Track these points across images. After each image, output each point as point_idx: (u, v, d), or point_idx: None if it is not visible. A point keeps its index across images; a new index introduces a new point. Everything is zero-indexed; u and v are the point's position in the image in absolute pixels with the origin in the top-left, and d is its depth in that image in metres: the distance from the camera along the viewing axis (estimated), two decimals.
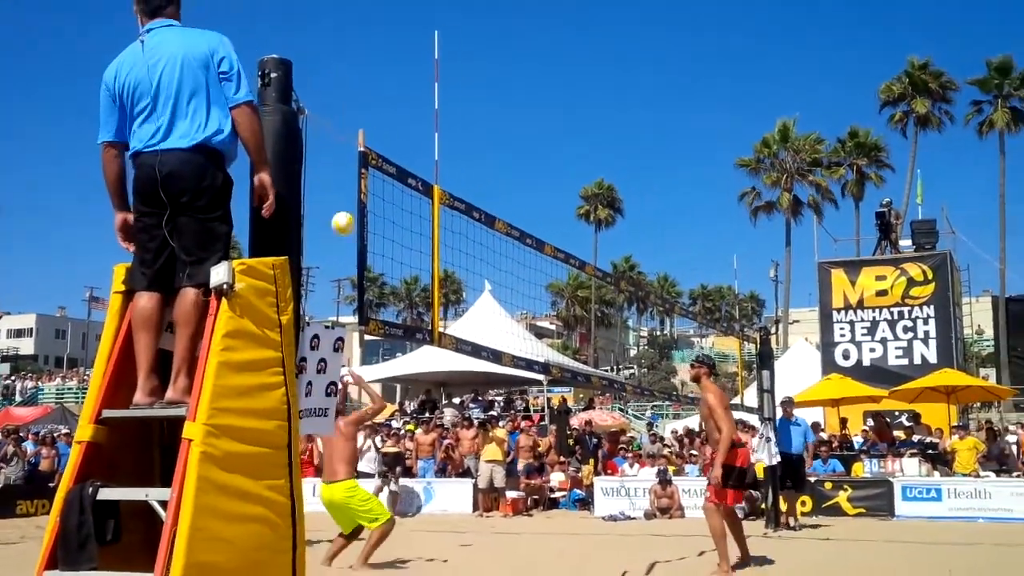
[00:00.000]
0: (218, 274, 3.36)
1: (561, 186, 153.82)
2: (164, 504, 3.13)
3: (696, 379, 9.79)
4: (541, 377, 21.72)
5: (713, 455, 9.14)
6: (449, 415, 22.55)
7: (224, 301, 3.34)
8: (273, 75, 4.04)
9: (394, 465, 17.66)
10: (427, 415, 22.81)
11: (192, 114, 3.62)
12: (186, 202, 3.56)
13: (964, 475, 16.37)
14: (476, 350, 7.82)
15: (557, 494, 18.05)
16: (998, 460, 17.04)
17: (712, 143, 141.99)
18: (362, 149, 5.16)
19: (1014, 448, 18.26)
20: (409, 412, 25.23)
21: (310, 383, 4.21)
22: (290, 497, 3.40)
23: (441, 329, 7.36)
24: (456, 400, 25.97)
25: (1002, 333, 39.13)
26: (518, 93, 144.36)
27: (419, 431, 19.63)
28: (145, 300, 3.59)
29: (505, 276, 8.03)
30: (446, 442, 19.01)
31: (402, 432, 20.07)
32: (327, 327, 4.50)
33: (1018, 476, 16.15)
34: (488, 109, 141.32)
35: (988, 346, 48.51)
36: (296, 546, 3.44)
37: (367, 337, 6.15)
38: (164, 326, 3.61)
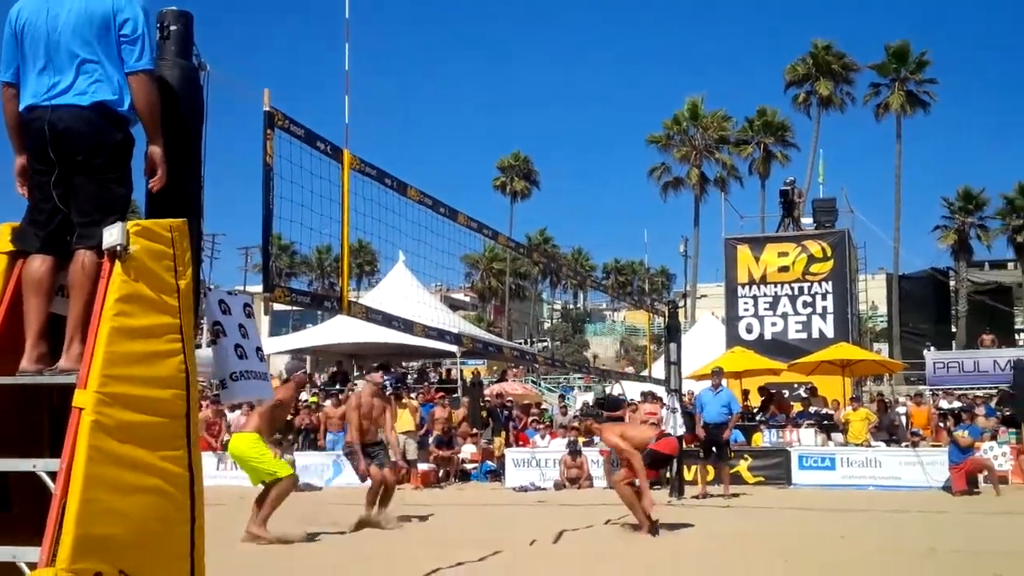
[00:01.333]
0: (111, 235, 3.21)
1: (478, 157, 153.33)
2: (54, 475, 3.01)
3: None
4: (455, 349, 21.71)
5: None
6: (361, 387, 22.28)
7: (118, 264, 3.21)
8: (172, 28, 3.86)
9: (286, 433, 17.43)
10: (338, 387, 22.58)
11: (91, 72, 3.46)
12: (82, 160, 3.41)
13: (856, 445, 17.01)
14: (387, 319, 7.73)
15: (468, 466, 18.11)
16: (888, 431, 17.71)
17: (626, 119, 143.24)
18: (268, 109, 5.01)
19: (903, 419, 18.98)
20: (319, 385, 24.92)
21: (239, 346, 4.09)
22: (188, 468, 3.30)
23: (352, 298, 7.26)
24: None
25: (895, 310, 40.52)
26: (435, 61, 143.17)
27: (328, 404, 19.43)
28: (38, 263, 3.42)
29: (419, 246, 7.95)
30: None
31: (304, 404, 19.72)
32: (230, 293, 4.38)
33: (906, 446, 16.81)
34: (403, 75, 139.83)
35: (882, 322, 50.21)
36: (195, 518, 3.35)
37: (275, 306, 6.03)
38: (56, 290, 3.47)
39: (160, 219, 3.47)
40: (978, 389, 23.75)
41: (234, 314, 4.14)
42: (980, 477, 15.04)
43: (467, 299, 70.21)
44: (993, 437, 16.74)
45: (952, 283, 42.48)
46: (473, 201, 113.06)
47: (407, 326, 7.96)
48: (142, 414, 3.14)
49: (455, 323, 18.35)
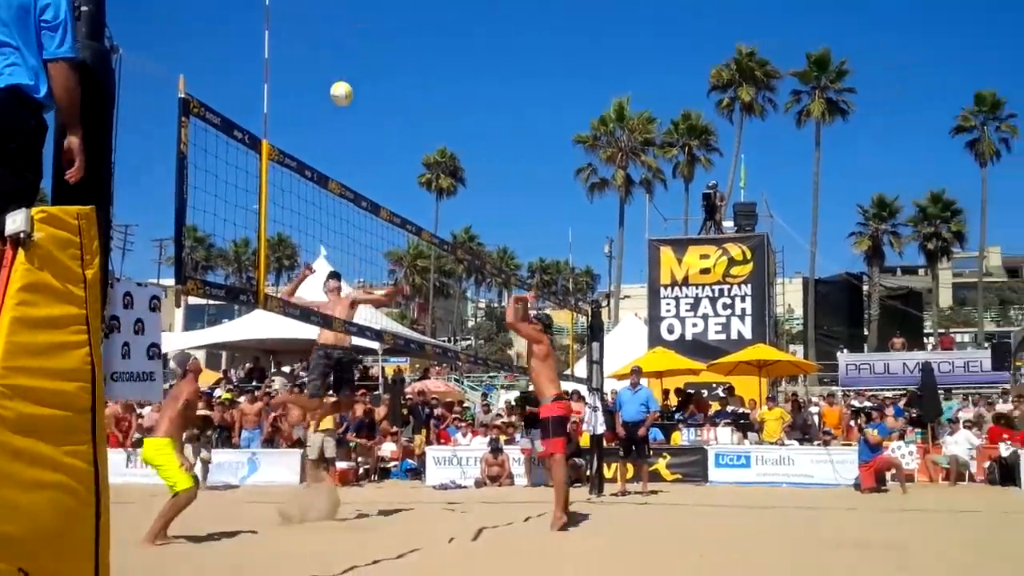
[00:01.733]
0: (14, 222, 3.10)
1: (404, 154, 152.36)
2: None
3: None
4: (376, 346, 21.53)
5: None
6: (279, 384, 22.00)
7: (21, 252, 3.10)
8: (83, 8, 3.75)
9: (204, 429, 17.11)
10: (254, 384, 22.23)
11: (7, 55, 3.35)
12: None
13: (771, 443, 17.39)
14: (305, 314, 7.64)
15: (388, 464, 17.98)
16: (801, 430, 18.13)
17: (554, 119, 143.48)
18: (183, 95, 4.91)
19: (816, 419, 19.44)
20: (235, 381, 24.49)
21: (127, 344, 3.99)
22: (93, 464, 3.21)
23: (269, 292, 7.14)
24: (286, 369, 25.40)
25: (810, 312, 41.41)
26: (361, 54, 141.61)
27: (244, 400, 19.11)
28: None
29: (342, 241, 7.89)
30: (273, 413, 18.59)
31: (217, 400, 19.35)
32: (140, 284, 4.28)
33: (818, 444, 17.25)
34: (325, 68, 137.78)
35: (798, 324, 51.32)
36: (99, 515, 3.25)
37: (190, 300, 5.91)
38: None
39: (67, 206, 3.36)
40: (888, 390, 24.47)
41: (136, 308, 4.05)
42: (888, 475, 15.49)
43: None
44: (901, 436, 17.29)
45: (865, 288, 43.63)
46: (398, 198, 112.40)
47: (326, 321, 7.89)
48: (45, 407, 3.04)
49: (377, 320, 18.20)
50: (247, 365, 26.95)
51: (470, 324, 78.29)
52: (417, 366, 31.20)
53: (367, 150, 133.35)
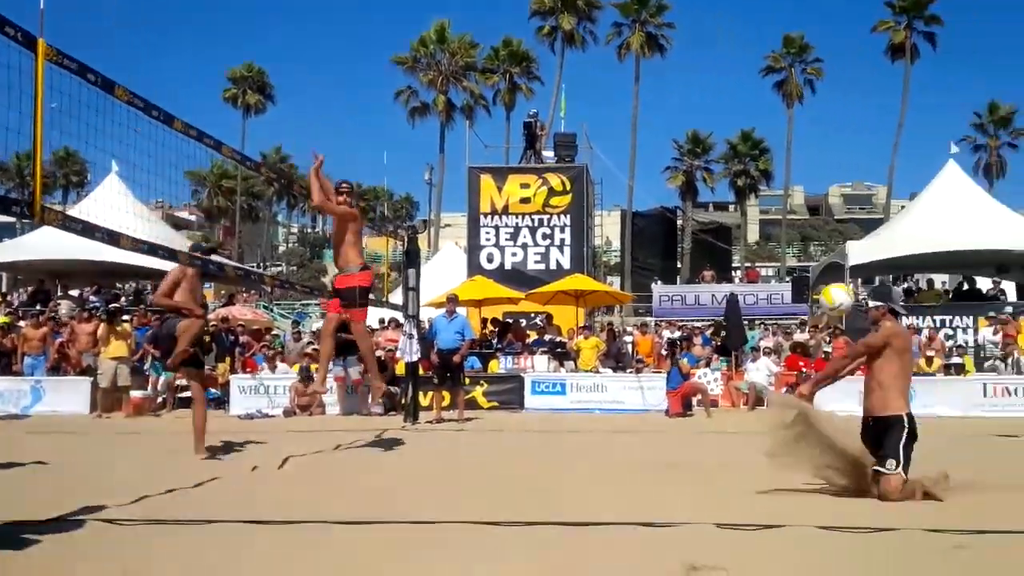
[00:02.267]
0: None
1: (206, 68, 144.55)
2: None
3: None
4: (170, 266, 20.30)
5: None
6: (65, 308, 20.38)
7: None
8: None
9: None
10: (38, 308, 20.58)
11: None
12: None
13: (586, 371, 17.64)
14: (88, 229, 6.90)
15: (188, 393, 17.04)
16: (616, 358, 18.51)
17: (370, 36, 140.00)
18: None
19: (630, 347, 19.91)
20: (15, 305, 22.60)
21: None
22: None
23: (49, 205, 6.51)
24: (74, 292, 23.66)
25: (627, 245, 42.54)
26: None
27: (26, 324, 17.66)
28: None
29: (138, 156, 7.45)
30: (60, 339, 17.27)
31: None
32: None
33: (631, 372, 17.63)
34: None
35: (615, 256, 52.66)
36: None
37: None
38: None
39: None
40: (698, 321, 25.34)
41: None
42: (694, 401, 16.01)
43: (192, 218, 66.34)
44: (708, 364, 17.92)
45: (679, 222, 45.15)
46: (202, 114, 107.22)
47: (112, 238, 7.15)
48: None
49: (174, 240, 17.11)
50: (30, 288, 25.03)
51: (281, 249, 76.20)
52: (222, 292, 29.84)
53: (164, 61, 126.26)
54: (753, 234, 71.85)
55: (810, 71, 50.79)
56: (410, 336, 14.84)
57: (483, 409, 16.37)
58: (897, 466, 6.28)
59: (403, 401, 15.07)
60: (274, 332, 22.48)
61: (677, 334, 21.01)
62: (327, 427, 13.40)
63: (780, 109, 51.76)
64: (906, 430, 6.43)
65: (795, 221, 70.79)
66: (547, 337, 19.64)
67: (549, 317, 21.15)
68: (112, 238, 7.15)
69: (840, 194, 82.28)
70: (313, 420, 15.07)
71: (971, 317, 20.27)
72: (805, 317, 24.90)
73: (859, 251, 21.24)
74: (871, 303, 6.98)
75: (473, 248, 25.29)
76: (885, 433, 6.46)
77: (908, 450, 6.39)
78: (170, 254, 8.71)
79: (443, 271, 25.55)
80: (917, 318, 20.13)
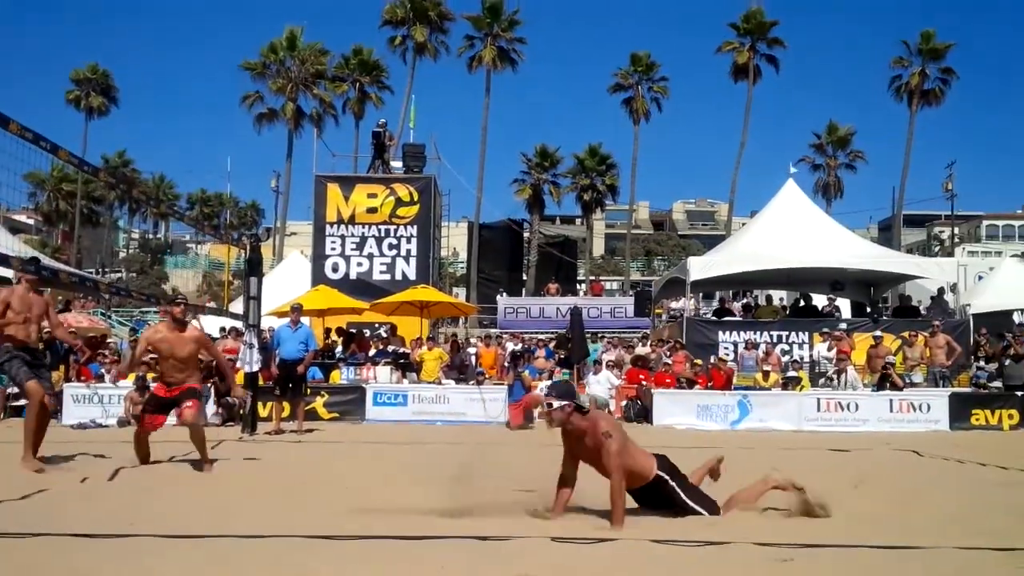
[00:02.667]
0: None
1: (48, 66, 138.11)
2: None
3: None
4: (9, 274, 19.52)
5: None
6: None
7: None
8: None
9: None
10: None
11: None
12: None
13: (429, 383, 17.92)
14: None
15: (19, 403, 16.47)
16: (459, 369, 18.84)
17: (219, 41, 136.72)
18: None
19: (473, 359, 20.26)
20: None
21: None
22: None
23: None
24: None
25: (474, 256, 43.07)
26: None
27: None
28: None
29: None
30: None
31: None
32: None
33: (473, 384, 18.00)
34: None
35: (462, 267, 53.15)
36: None
37: None
38: None
39: None
40: (542, 333, 26.00)
41: None
42: (535, 412, 16.46)
43: (30, 221, 63.46)
44: (550, 377, 18.38)
45: (526, 234, 45.93)
46: (43, 117, 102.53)
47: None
48: None
49: (10, 246, 16.55)
50: None
51: (122, 255, 73.37)
52: (60, 298, 28.70)
53: (10, 63, 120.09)
54: (599, 248, 73.56)
55: (656, 89, 51.97)
56: (251, 346, 14.80)
57: (324, 420, 16.44)
58: (703, 510, 6.23)
59: (241, 412, 15.01)
60: (109, 340, 21.87)
61: (520, 346, 21.57)
62: (163, 438, 13.22)
63: (627, 126, 52.71)
64: (671, 481, 6.29)
65: (640, 236, 72.62)
66: (391, 348, 19.82)
67: (393, 328, 21.35)
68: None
69: (684, 210, 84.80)
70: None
71: (807, 333, 20.83)
72: (647, 331, 25.84)
73: (700, 266, 21.47)
74: (555, 404, 6.28)
75: (318, 257, 25.24)
76: (660, 497, 6.31)
77: (690, 490, 6.33)
78: (1, 259, 8.60)
79: (287, 280, 25.39)
80: (755, 333, 20.82)
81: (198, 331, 9.87)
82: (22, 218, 61.43)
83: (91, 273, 46.05)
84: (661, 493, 6.28)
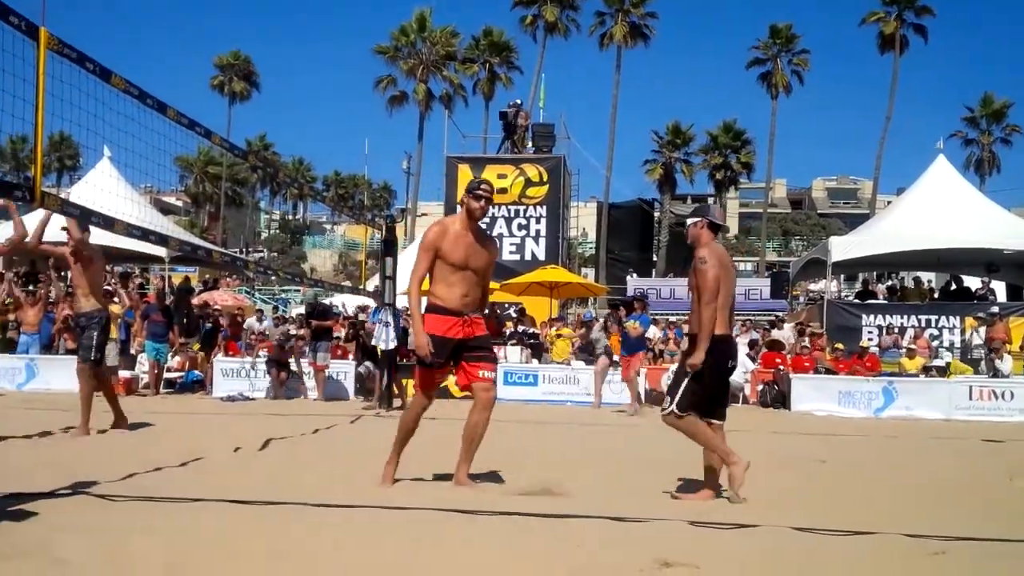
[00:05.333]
0: None
1: (194, 55, 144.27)
2: None
3: None
4: (163, 253, 20.65)
5: None
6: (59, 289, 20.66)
7: None
8: None
9: None
10: (31, 287, 20.85)
11: None
12: None
13: (558, 363, 18.01)
14: (85, 214, 7.27)
15: (174, 375, 17.44)
16: (588, 351, 18.80)
17: (352, 26, 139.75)
18: None
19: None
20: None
21: None
22: None
23: (47, 190, 6.76)
24: (65, 273, 23.93)
25: (603, 236, 42.88)
26: None
27: (24, 303, 18.01)
28: None
29: (129, 141, 7.61)
30: (57, 317, 17.62)
31: None
32: None
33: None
34: None
35: (591, 248, 53.09)
36: None
37: None
38: None
39: None
40: (673, 315, 25.75)
41: None
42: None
43: (180, 203, 66.71)
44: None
45: (657, 214, 45.44)
46: (189, 101, 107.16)
47: (107, 223, 7.49)
48: None
49: (165, 226, 17.45)
50: (23, 269, 25.19)
51: (263, 235, 76.22)
52: (208, 277, 30.16)
53: (155, 48, 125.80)
54: (733, 227, 72.02)
55: (797, 62, 50.61)
56: (387, 324, 15.17)
57: (455, 398, 16.67)
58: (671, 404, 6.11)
59: (379, 387, 15.43)
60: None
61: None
62: (305, 411, 13.81)
63: (765, 101, 51.72)
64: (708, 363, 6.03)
65: (776, 215, 70.65)
66: (520, 328, 20.01)
67: (522, 308, 21.53)
68: (107, 223, 7.50)
69: (824, 188, 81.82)
70: (293, 403, 15.45)
71: (958, 317, 19.90)
72: (783, 313, 25.23)
73: (842, 247, 20.66)
74: (689, 220, 6.45)
75: None
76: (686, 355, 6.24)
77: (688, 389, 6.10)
78: (160, 239, 9.09)
79: None
80: (902, 316, 20.11)
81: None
82: (172, 200, 64.60)
83: (236, 252, 48.06)
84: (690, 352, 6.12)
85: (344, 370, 16.90)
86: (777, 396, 16.90)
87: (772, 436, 11.74)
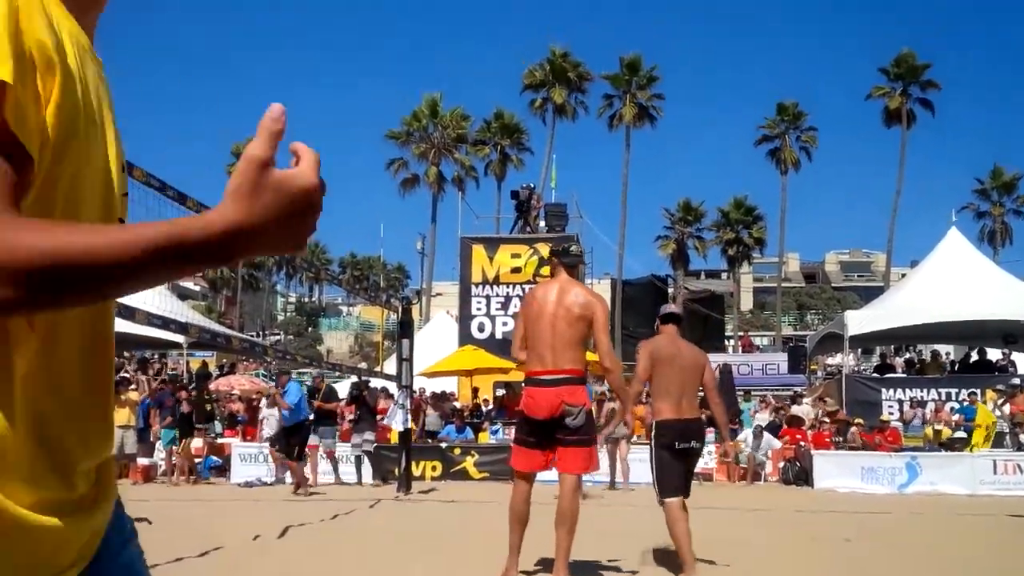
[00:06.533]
0: None
1: (215, 139, 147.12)
2: None
3: None
4: (181, 339, 20.74)
5: None
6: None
7: None
8: None
9: None
10: None
11: None
12: None
13: None
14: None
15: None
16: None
17: (365, 113, 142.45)
18: None
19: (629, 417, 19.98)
20: None
21: None
22: None
23: None
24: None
25: (617, 313, 42.84)
26: (164, 35, 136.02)
27: None
28: None
29: None
30: None
31: None
32: None
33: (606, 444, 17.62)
34: (131, 53, 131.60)
35: None
36: None
37: None
38: None
39: None
40: None
41: None
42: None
43: (196, 288, 67.31)
44: None
45: (670, 290, 45.45)
46: (208, 189, 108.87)
47: (127, 312, 7.57)
48: None
49: (182, 312, 17.56)
50: None
51: (279, 318, 76.64)
52: (224, 361, 30.29)
53: (171, 133, 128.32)
54: (747, 302, 71.98)
55: (805, 139, 51.00)
56: (401, 406, 15.14)
57: (474, 480, 16.58)
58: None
59: (396, 471, 15.32)
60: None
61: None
62: (324, 496, 13.71)
63: (774, 177, 52.07)
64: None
65: (790, 289, 70.64)
66: None
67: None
68: (128, 312, 7.60)
69: (837, 261, 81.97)
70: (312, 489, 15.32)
71: (979, 390, 19.39)
72: (802, 388, 24.97)
73: (859, 321, 20.56)
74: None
75: (464, 318, 25.63)
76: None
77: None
78: (181, 327, 9.17)
79: (435, 340, 25.90)
80: (922, 390, 19.91)
81: None
82: (189, 284, 65.17)
83: (252, 336, 48.21)
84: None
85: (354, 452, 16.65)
86: (799, 473, 16.67)
87: (796, 514, 11.58)
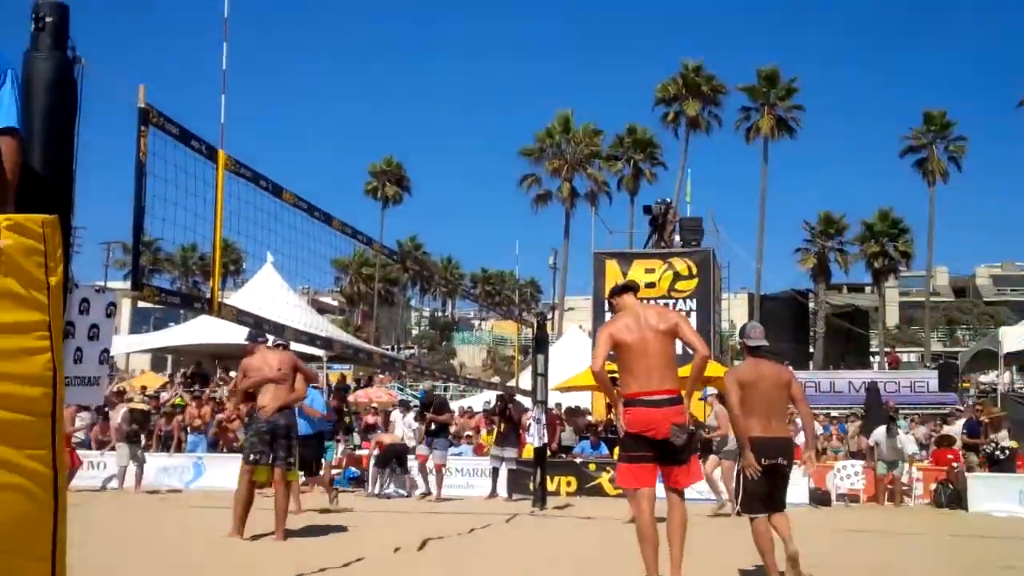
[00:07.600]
0: None
1: (350, 160, 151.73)
2: None
3: None
4: (321, 352, 21.45)
5: None
6: (225, 390, 21.86)
7: None
8: (48, 19, 3.77)
9: (144, 423, 16.87)
10: (198, 388, 22.05)
11: None
12: None
13: None
14: (258, 322, 7.67)
15: (332, 471, 17.88)
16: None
17: (499, 129, 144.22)
18: (142, 106, 4.94)
19: None
20: (176, 385, 24.25)
21: (79, 349, 4.01)
22: (52, 467, 3.22)
23: (221, 299, 7.17)
24: (232, 373, 25.23)
25: None
26: (312, 62, 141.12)
27: (190, 404, 19.01)
28: None
29: (290, 247, 7.95)
30: (220, 416, 18.46)
31: (167, 405, 19.25)
32: (97, 291, 4.30)
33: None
34: (280, 75, 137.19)
35: None
36: (57, 517, 3.27)
37: (139, 304, 5.94)
38: None
39: (32, 215, 3.38)
40: (835, 409, 24.76)
41: (92, 314, 4.08)
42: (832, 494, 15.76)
43: (335, 303, 69.44)
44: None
45: (811, 305, 44.20)
46: (344, 205, 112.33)
47: (278, 330, 7.90)
48: (8, 411, 3.06)
49: (322, 326, 18.13)
50: (190, 369, 26.69)
51: (414, 332, 78.19)
52: (361, 373, 31.09)
53: (315, 156, 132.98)
54: (892, 317, 69.29)
55: (953, 148, 49.18)
56: (538, 421, 15.20)
57: (609, 496, 16.47)
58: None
59: (532, 486, 15.37)
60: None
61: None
62: (463, 509, 13.88)
63: (920, 188, 50.41)
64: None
65: (939, 303, 67.75)
66: None
67: None
68: (278, 330, 7.92)
69: (989, 275, 78.35)
70: (454, 502, 15.41)
71: None
72: (955, 406, 23.91)
73: (1016, 337, 19.99)
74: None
75: (598, 332, 25.59)
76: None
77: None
78: (325, 343, 9.48)
79: (568, 355, 25.91)
80: None
81: None
82: (328, 299, 67.32)
83: (387, 349, 49.36)
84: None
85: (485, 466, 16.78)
86: (952, 495, 15.92)
87: (950, 539, 11.14)
